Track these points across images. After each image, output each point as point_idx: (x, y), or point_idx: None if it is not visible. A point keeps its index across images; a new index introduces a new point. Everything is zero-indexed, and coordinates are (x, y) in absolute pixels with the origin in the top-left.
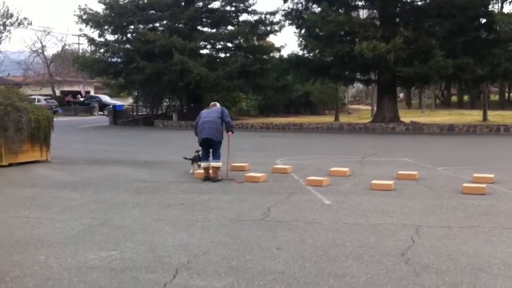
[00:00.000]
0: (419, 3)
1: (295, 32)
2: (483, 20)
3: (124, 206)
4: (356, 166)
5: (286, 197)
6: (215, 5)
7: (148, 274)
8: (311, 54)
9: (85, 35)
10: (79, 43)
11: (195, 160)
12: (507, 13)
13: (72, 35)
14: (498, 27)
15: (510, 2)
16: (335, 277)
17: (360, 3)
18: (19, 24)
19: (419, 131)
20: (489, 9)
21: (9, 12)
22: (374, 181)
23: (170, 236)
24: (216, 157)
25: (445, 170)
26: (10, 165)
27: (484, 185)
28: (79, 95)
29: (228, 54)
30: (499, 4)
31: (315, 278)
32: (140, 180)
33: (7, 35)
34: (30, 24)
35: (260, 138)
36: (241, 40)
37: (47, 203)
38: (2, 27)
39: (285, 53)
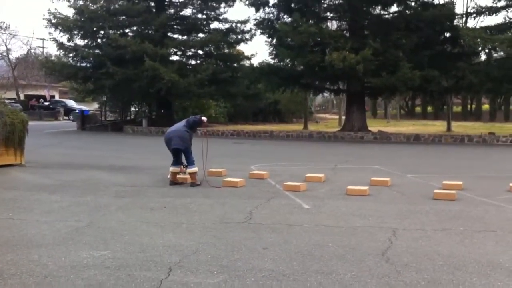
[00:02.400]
0: (388, 16)
1: (266, 41)
2: (449, 34)
3: (107, 209)
4: (330, 172)
5: (266, 201)
6: (187, 12)
7: (143, 272)
8: (282, 63)
9: (54, 39)
10: (43, 47)
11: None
12: (472, 27)
13: (37, 38)
14: (462, 41)
15: (474, 17)
16: (322, 274)
17: (330, 15)
18: None
19: (386, 140)
20: (455, 24)
21: None
22: (349, 187)
23: (158, 237)
24: (190, 162)
25: (415, 177)
26: None
27: (454, 192)
28: (42, 99)
29: (198, 62)
30: (464, 19)
31: (303, 275)
32: (118, 184)
33: None
34: (8, 27)
35: (232, 145)
36: (212, 48)
37: (29, 205)
38: None
39: (255, 61)
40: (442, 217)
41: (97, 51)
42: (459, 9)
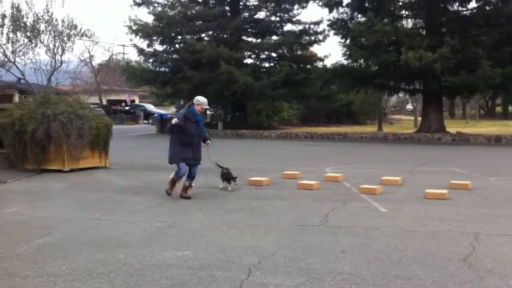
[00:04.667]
0: (466, 12)
1: (339, 42)
2: None
3: (188, 210)
4: (407, 175)
5: (342, 204)
6: (261, 15)
7: (224, 272)
8: (355, 64)
9: (134, 45)
10: (124, 53)
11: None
12: None
13: (118, 45)
14: None
15: None
16: (402, 279)
17: (405, 13)
18: (82, 35)
19: (465, 142)
20: None
21: (74, 23)
22: (427, 190)
23: (237, 238)
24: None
25: (497, 180)
26: (72, 170)
27: None
28: (122, 104)
29: (272, 64)
30: None
31: (382, 280)
32: (197, 185)
33: (70, 46)
34: (93, 35)
35: (306, 147)
36: (285, 50)
37: (114, 206)
38: (66, 38)
39: (328, 63)
40: None
41: (175, 56)
42: None
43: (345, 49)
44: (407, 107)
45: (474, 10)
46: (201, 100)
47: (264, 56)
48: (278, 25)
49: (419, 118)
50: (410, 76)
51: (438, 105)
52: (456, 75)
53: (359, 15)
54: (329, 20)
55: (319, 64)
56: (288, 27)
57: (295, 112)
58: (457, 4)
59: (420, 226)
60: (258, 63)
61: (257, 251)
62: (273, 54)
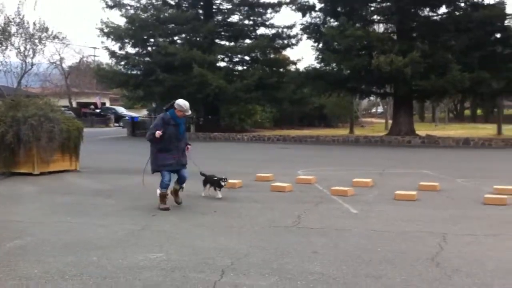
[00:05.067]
0: (436, 18)
1: (312, 46)
2: (500, 35)
3: (161, 212)
4: (377, 177)
5: (314, 205)
6: (234, 19)
7: (197, 273)
8: (328, 68)
9: (106, 47)
10: (95, 55)
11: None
12: None
13: (89, 47)
14: None
15: None
16: (372, 278)
17: (377, 18)
18: (53, 37)
19: (434, 144)
20: (506, 24)
21: (45, 25)
22: (397, 192)
23: (210, 240)
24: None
25: (465, 182)
26: (42, 174)
27: (505, 196)
28: (92, 106)
29: (245, 67)
30: None
31: (353, 279)
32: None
33: (41, 48)
34: (65, 37)
35: (279, 150)
36: (258, 54)
37: (86, 209)
38: (37, 41)
39: (301, 66)
40: (493, 222)
41: (147, 58)
42: (510, 9)
43: (318, 53)
44: (378, 110)
45: (444, 16)
46: (182, 105)
47: (237, 59)
48: (251, 28)
49: (390, 121)
50: (381, 80)
51: (408, 109)
52: (426, 79)
53: (332, 20)
54: (302, 24)
55: (292, 68)
56: (261, 30)
57: (268, 115)
58: (427, 9)
59: (390, 227)
60: (231, 66)
61: (230, 252)
62: (246, 58)
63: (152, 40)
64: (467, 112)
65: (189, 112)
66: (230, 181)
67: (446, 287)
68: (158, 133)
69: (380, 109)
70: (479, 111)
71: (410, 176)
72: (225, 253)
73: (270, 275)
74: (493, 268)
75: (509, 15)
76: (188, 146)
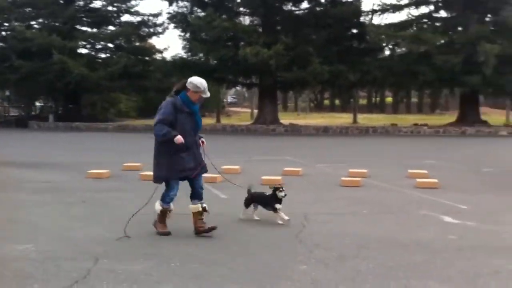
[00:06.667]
0: (299, 12)
1: (179, 35)
2: (356, 31)
3: (26, 204)
4: (245, 164)
5: (184, 192)
6: (96, 4)
7: (70, 262)
8: (195, 57)
9: None
10: None
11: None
12: (377, 24)
13: None
14: (368, 38)
15: (379, 15)
16: (243, 256)
17: (243, 10)
18: None
19: (297, 133)
20: (361, 21)
21: None
22: (264, 177)
23: (81, 229)
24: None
25: (324, 167)
26: None
27: (359, 179)
28: None
29: (109, 55)
30: (370, 16)
31: (226, 258)
32: (34, 180)
33: None
34: None
35: (145, 139)
36: (123, 41)
37: None
38: None
39: (168, 55)
40: (349, 202)
41: (1, 44)
42: (366, 6)
43: (185, 42)
44: (228, 99)
45: (306, 11)
46: (197, 83)
47: (100, 46)
48: (115, 15)
49: (256, 111)
50: (247, 70)
51: (273, 99)
52: (289, 71)
53: (199, 10)
54: (168, 13)
55: (158, 56)
56: (126, 17)
57: (133, 104)
58: (291, 4)
59: (256, 210)
60: (94, 53)
61: (102, 240)
62: (110, 45)
63: (7, 24)
64: (326, 102)
65: (208, 94)
66: (96, 171)
67: (308, 260)
68: (179, 139)
69: (230, 99)
70: (337, 102)
71: (276, 163)
72: (97, 241)
73: (145, 259)
74: (349, 242)
75: (364, 12)
76: (203, 140)
